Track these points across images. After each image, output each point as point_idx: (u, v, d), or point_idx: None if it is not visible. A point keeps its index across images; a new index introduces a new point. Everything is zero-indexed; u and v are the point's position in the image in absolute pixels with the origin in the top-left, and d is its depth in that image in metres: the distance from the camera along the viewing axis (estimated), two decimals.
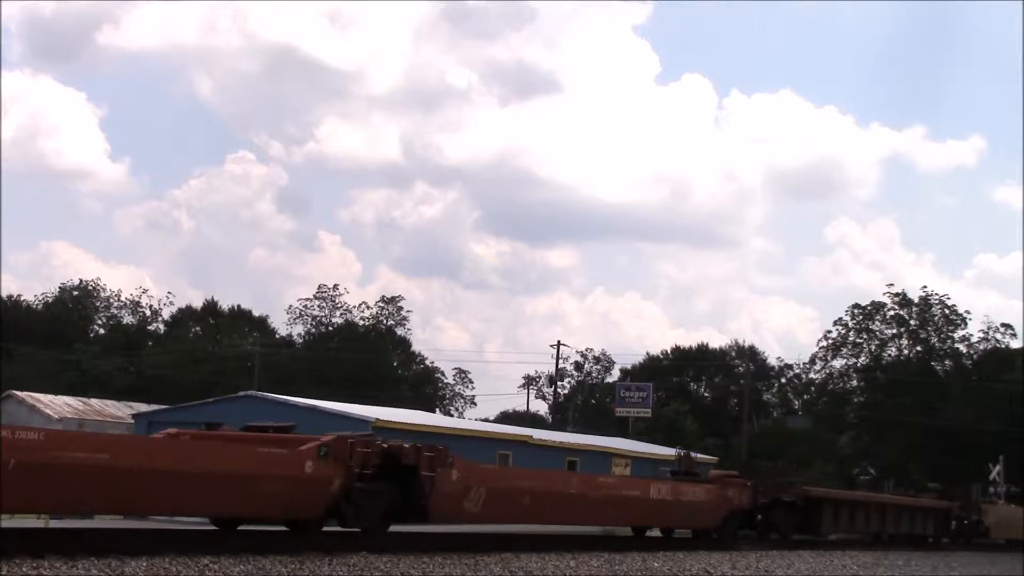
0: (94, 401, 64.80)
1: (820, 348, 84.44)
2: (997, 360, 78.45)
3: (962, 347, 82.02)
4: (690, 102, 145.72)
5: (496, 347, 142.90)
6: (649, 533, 26.17)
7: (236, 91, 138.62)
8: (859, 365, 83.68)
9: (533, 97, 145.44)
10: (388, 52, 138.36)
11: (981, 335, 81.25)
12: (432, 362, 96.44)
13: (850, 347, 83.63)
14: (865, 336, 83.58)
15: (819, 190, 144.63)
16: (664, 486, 25.16)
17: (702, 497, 25.92)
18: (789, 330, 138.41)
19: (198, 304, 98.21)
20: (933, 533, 38.86)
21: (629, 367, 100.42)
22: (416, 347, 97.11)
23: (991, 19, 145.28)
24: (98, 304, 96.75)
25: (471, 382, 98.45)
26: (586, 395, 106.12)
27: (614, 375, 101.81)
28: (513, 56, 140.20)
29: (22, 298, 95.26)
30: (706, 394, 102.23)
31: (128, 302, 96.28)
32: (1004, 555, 36.61)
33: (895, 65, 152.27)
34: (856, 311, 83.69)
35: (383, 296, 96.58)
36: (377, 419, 44.45)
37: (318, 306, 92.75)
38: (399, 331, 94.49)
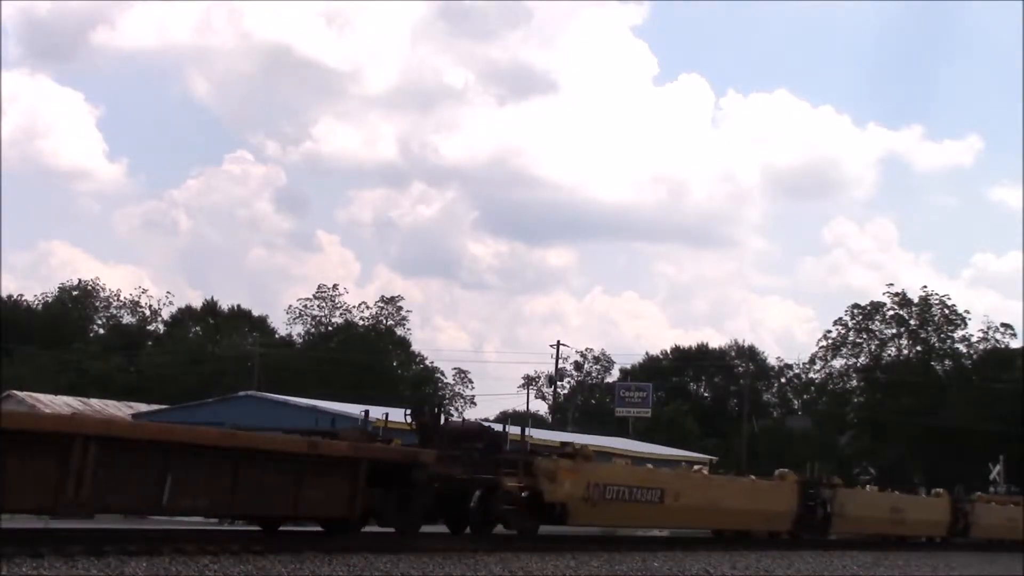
0: (94, 401, 64.71)
1: (820, 348, 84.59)
2: (997, 360, 78.48)
3: (962, 347, 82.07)
4: (687, 102, 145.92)
5: (495, 347, 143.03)
6: None
7: (233, 91, 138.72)
8: (859, 365, 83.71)
9: (530, 97, 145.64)
10: (385, 52, 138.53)
11: (981, 335, 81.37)
12: (432, 362, 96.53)
13: (850, 347, 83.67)
14: (865, 336, 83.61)
15: (816, 190, 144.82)
16: None
17: None
18: (787, 330, 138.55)
19: (197, 304, 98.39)
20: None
21: (629, 367, 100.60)
22: (415, 347, 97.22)
23: (989, 19, 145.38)
24: (97, 304, 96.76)
25: (471, 382, 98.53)
26: (586, 395, 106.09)
27: (614, 375, 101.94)
28: (510, 56, 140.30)
29: (22, 298, 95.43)
30: (706, 394, 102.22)
31: (127, 302, 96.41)
32: (1003, 555, 35.08)
33: (892, 65, 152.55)
34: (856, 311, 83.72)
35: (382, 296, 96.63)
36: (377, 419, 44.47)
37: (318, 306, 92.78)
38: (399, 331, 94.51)
